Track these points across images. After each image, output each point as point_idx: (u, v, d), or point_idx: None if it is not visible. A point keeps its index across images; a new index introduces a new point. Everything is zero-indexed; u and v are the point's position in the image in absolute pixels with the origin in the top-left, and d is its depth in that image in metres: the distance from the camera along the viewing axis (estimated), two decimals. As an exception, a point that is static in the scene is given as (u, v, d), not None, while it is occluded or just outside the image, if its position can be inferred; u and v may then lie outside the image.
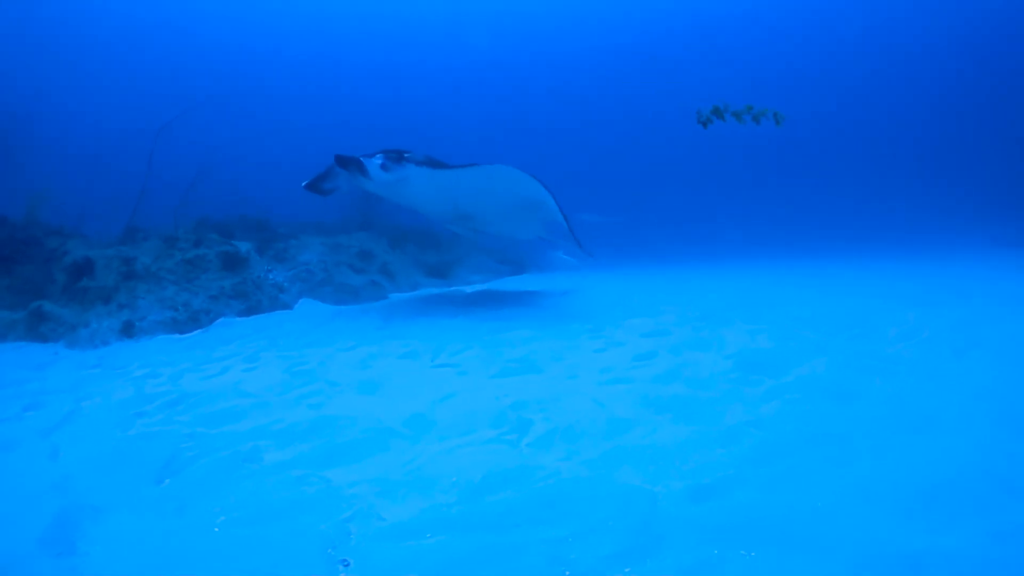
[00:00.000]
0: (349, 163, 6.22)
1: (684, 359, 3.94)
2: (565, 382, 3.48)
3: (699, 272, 12.19)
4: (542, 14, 36.30)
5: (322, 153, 6.49)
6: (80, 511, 2.18)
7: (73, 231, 9.36)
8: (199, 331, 6.67)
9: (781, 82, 38.66)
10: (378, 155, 6.41)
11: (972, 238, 16.50)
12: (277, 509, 2.11)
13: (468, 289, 10.06)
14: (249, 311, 7.47)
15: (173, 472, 2.49)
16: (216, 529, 2.01)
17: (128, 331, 6.59)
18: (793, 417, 2.73)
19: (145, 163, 11.77)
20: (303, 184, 6.79)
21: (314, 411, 3.12)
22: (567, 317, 6.11)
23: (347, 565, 1.77)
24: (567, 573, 1.68)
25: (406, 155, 6.39)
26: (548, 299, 7.87)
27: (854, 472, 2.16)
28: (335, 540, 1.89)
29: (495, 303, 7.54)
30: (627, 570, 1.68)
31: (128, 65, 31.18)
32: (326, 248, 9.67)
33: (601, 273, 12.97)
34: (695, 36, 38.21)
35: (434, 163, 6.37)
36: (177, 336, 6.50)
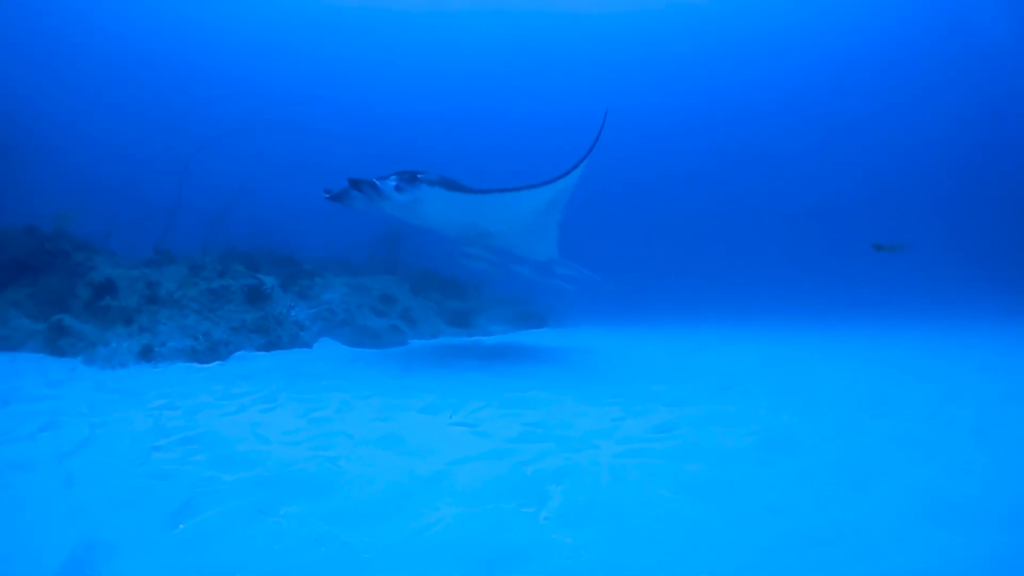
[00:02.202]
0: (363, 185, 6.29)
1: (705, 433, 3.88)
2: (584, 452, 3.43)
3: (719, 334, 12.13)
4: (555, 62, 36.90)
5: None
6: (96, 548, 2.17)
7: (100, 247, 9.45)
8: (218, 363, 6.69)
9: (793, 134, 38.84)
10: (392, 176, 6.48)
11: (995, 308, 16.27)
12: (295, 569, 2.07)
13: (488, 340, 10.04)
14: (268, 346, 7.49)
15: (189, 516, 2.46)
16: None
17: (147, 355, 6.61)
18: (812, 502, 2.69)
19: (176, 186, 11.97)
20: (325, 195, 6.81)
21: (331, 465, 3.08)
22: (587, 379, 6.07)
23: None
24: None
25: (420, 176, 6.46)
26: (568, 357, 7.83)
27: (871, 567, 2.11)
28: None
29: (515, 358, 7.51)
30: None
31: (171, 92, 31.91)
32: (350, 289, 9.72)
33: (621, 330, 12.97)
34: (704, 94, 38.67)
35: (448, 184, 6.42)
36: (196, 365, 6.52)
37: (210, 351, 6.94)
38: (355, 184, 6.27)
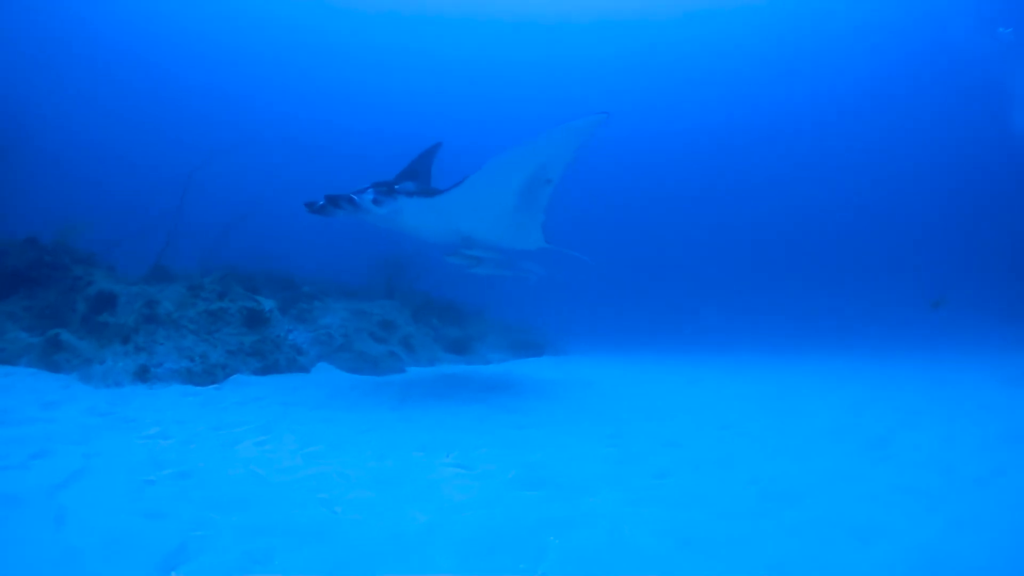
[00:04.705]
0: (341, 201, 6.26)
1: (704, 480, 3.85)
2: (583, 500, 3.39)
3: (716, 366, 12.05)
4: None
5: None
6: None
7: (100, 261, 9.41)
8: (213, 387, 6.63)
9: (795, 162, 38.96)
10: (369, 190, 6.44)
11: (994, 341, 16.14)
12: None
13: (486, 369, 9.99)
14: (265, 370, 7.44)
15: (182, 561, 2.43)
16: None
17: (143, 375, 6.57)
18: (813, 559, 2.66)
19: (178, 202, 11.97)
20: (306, 207, 6.59)
21: (327, 509, 3.05)
22: (585, 416, 6.02)
23: None
24: None
25: (396, 187, 6.41)
26: (566, 391, 7.77)
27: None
28: None
29: (512, 391, 7.47)
30: None
31: (178, 106, 32.14)
32: (349, 313, 9.67)
33: (618, 358, 12.93)
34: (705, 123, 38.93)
35: (425, 191, 6.36)
36: (191, 388, 6.47)
37: (206, 374, 6.89)
38: (332, 200, 6.25)
